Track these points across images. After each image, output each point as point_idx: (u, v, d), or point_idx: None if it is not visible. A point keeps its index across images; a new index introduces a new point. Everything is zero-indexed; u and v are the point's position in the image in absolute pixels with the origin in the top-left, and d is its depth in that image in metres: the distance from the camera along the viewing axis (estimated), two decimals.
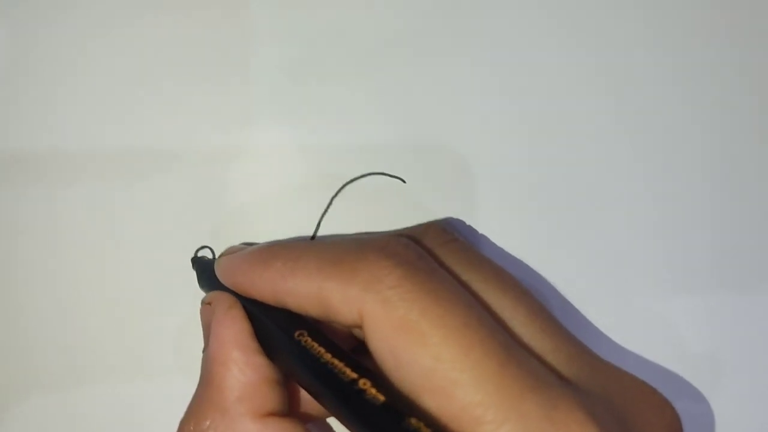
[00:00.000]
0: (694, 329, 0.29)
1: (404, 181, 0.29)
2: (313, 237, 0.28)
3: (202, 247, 0.28)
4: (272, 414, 0.22)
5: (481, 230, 0.29)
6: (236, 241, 0.28)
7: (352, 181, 0.29)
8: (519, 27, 0.30)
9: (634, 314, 0.29)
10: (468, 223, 0.29)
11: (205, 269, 0.26)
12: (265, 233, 0.28)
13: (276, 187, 0.29)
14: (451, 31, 0.30)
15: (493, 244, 0.29)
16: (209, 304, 0.24)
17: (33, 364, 0.28)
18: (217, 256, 0.27)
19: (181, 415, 0.24)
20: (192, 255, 0.28)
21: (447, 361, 0.19)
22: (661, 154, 0.29)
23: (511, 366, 0.19)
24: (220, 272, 0.25)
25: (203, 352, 0.24)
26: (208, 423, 0.22)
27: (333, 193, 0.29)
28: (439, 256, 0.23)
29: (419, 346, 0.19)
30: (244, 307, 0.24)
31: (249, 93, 0.29)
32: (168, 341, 0.28)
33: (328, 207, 0.29)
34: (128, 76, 0.29)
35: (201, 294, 0.27)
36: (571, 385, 0.20)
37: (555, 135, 0.29)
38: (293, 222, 0.29)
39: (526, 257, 0.29)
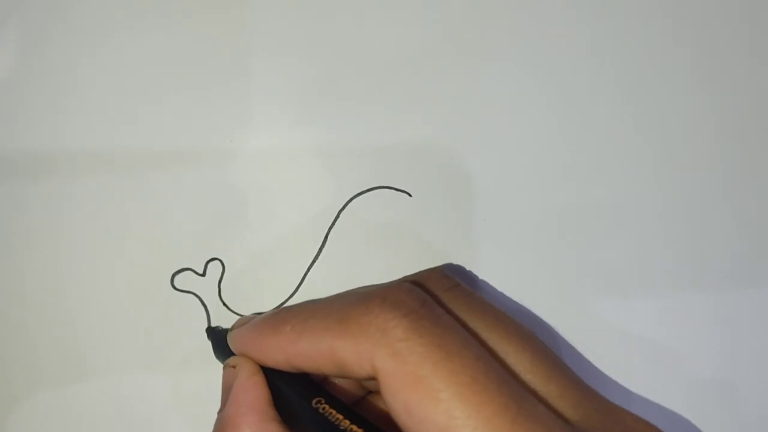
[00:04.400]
0: (700, 368, 0.29)
1: (410, 195, 0.29)
2: (320, 251, 0.29)
3: (212, 260, 0.29)
4: None
5: (482, 245, 0.30)
6: (239, 244, 0.29)
7: (359, 194, 0.29)
8: (536, 40, 0.30)
9: (638, 351, 0.29)
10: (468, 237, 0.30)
11: (219, 340, 0.27)
12: (270, 238, 0.29)
13: (280, 190, 0.29)
14: (462, 39, 0.30)
15: (494, 289, 0.29)
16: (233, 367, 0.25)
17: (36, 363, 0.28)
18: (234, 314, 0.28)
19: (180, 410, 0.26)
20: (200, 267, 0.29)
21: (460, 418, 0.19)
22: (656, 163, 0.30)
23: (522, 419, 0.19)
24: (233, 345, 0.25)
25: (219, 413, 0.25)
26: None
27: (336, 196, 0.29)
28: (442, 302, 0.23)
29: (432, 402, 0.20)
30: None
31: (255, 97, 0.30)
32: (169, 338, 0.29)
33: (335, 221, 0.29)
34: (133, 79, 0.29)
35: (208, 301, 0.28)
36: (577, 430, 0.21)
37: (550, 145, 0.30)
38: (298, 227, 0.29)
39: (530, 282, 0.29)
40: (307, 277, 0.29)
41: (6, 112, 0.29)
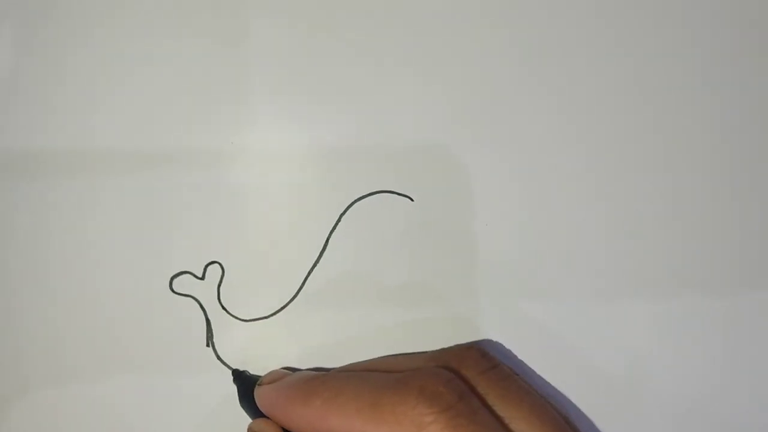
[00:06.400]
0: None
1: (412, 200, 0.29)
2: (320, 255, 0.29)
3: (211, 263, 0.28)
4: None
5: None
6: (239, 248, 0.29)
7: (360, 198, 0.29)
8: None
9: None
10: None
11: (247, 389, 0.26)
12: (270, 242, 0.29)
13: (281, 193, 0.29)
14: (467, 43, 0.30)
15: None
16: None
17: (32, 364, 0.28)
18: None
19: (178, 413, 0.26)
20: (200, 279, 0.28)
21: None
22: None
23: None
24: (260, 402, 0.25)
25: None
26: None
27: (337, 199, 0.29)
28: (479, 387, 0.23)
29: None
30: None
31: (255, 100, 0.29)
32: (167, 341, 0.28)
33: (336, 225, 0.29)
34: (133, 80, 0.29)
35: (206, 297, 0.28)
36: None
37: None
38: (298, 231, 0.29)
39: (529, 287, 0.30)
40: (307, 281, 0.29)
41: (5, 112, 0.29)
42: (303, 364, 0.28)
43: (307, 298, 0.28)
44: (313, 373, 0.25)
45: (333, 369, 0.27)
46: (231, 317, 0.28)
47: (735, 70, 0.30)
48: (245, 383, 0.27)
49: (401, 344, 0.29)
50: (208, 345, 0.28)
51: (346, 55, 0.30)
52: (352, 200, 0.29)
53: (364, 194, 0.29)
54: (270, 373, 0.26)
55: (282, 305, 0.28)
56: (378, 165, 0.29)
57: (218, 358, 0.28)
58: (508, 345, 0.29)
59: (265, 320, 0.28)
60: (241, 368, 0.28)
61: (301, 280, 0.29)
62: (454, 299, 0.29)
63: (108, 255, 0.28)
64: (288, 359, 0.28)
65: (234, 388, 0.27)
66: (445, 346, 0.28)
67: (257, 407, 0.25)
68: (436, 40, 0.30)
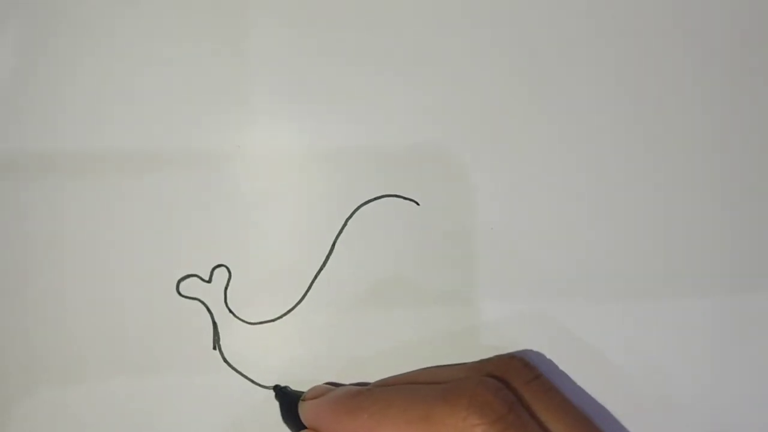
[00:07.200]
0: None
1: (418, 204, 0.29)
2: (327, 259, 0.29)
3: (218, 266, 0.28)
4: None
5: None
6: (246, 251, 0.29)
7: (367, 202, 0.29)
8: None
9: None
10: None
11: (290, 405, 0.26)
12: (277, 245, 0.29)
13: (288, 197, 0.29)
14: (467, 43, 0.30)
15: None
16: None
17: (38, 366, 0.28)
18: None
19: (184, 415, 0.26)
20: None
21: None
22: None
23: None
24: (304, 417, 0.25)
25: None
26: None
27: (344, 203, 0.29)
28: (523, 397, 0.23)
29: None
30: None
31: (262, 103, 0.29)
32: (174, 344, 0.28)
33: (342, 228, 0.29)
34: (139, 82, 0.29)
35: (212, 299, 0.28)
36: None
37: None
38: (305, 234, 0.29)
39: (535, 291, 0.30)
40: (314, 284, 0.29)
41: (6, 112, 0.29)
42: (309, 368, 0.28)
43: (313, 302, 0.29)
44: (357, 387, 0.25)
45: (374, 383, 0.27)
46: (238, 320, 0.28)
47: (735, 71, 0.31)
48: (287, 399, 0.27)
49: (407, 347, 0.29)
50: (214, 348, 0.28)
51: (347, 55, 0.30)
52: (358, 203, 0.29)
53: (370, 198, 0.29)
54: (313, 388, 0.26)
55: (289, 308, 0.29)
56: (381, 166, 0.29)
57: (228, 363, 0.28)
58: (513, 347, 0.29)
59: (271, 323, 0.29)
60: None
61: (308, 284, 0.29)
62: (460, 302, 0.29)
63: (114, 257, 0.28)
64: (294, 362, 0.28)
65: (240, 393, 0.28)
66: (452, 348, 0.29)
67: (301, 422, 0.25)
68: (439, 41, 0.30)
